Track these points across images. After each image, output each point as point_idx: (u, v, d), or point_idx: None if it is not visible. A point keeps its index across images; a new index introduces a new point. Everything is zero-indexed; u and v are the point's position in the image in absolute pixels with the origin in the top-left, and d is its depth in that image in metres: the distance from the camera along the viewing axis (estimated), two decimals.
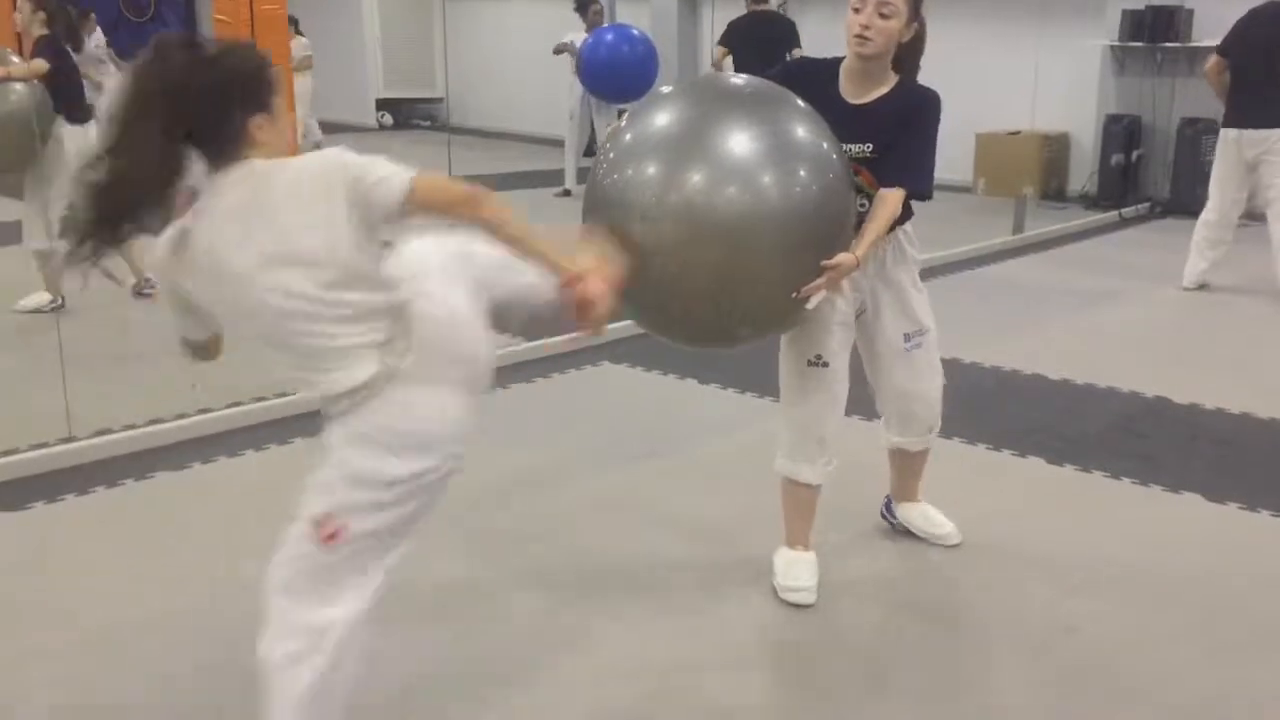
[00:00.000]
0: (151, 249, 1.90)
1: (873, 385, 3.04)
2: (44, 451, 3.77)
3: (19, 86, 5.25)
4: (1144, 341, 5.37)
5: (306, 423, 3.98)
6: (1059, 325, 5.61)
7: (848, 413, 2.93)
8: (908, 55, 2.78)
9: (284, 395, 4.18)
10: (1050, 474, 3.76)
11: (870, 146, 2.72)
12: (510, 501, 3.51)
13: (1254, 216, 6.56)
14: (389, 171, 1.87)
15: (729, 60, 7.50)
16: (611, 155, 2.53)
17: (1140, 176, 9.06)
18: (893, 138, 2.70)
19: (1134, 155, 8.98)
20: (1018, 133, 9.42)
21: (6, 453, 3.75)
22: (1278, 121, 5.89)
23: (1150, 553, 3.20)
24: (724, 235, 2.36)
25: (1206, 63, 6.23)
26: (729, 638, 2.76)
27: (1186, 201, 8.59)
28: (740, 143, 2.41)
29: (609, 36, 8.35)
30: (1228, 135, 6.09)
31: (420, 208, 1.88)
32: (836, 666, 2.66)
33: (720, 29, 7.83)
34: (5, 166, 5.40)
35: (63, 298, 5.53)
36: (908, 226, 2.89)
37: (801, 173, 2.43)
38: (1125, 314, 5.86)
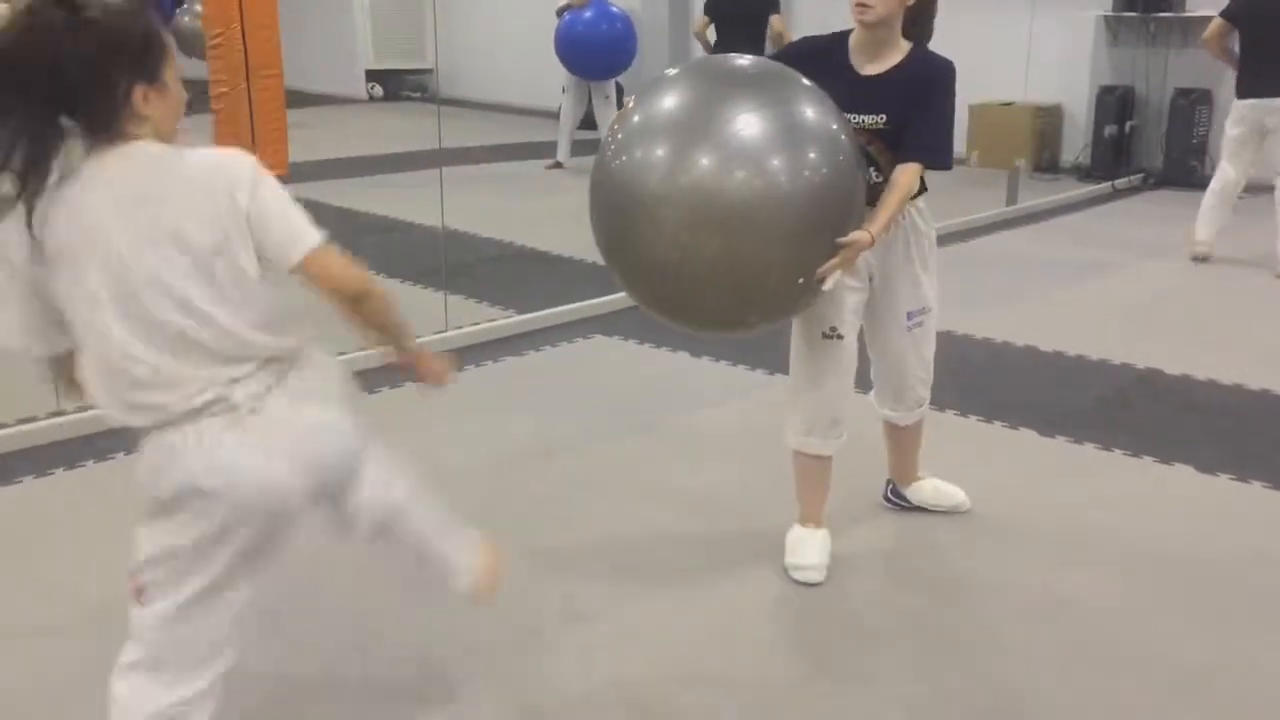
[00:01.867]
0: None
1: (870, 354, 3.05)
2: (32, 425, 3.75)
3: None
4: (1136, 313, 5.37)
5: None
6: (1051, 297, 5.60)
7: (858, 387, 2.94)
8: (919, 20, 2.77)
9: None
10: (1042, 446, 3.76)
11: (884, 117, 2.70)
12: (504, 475, 3.51)
13: (1247, 188, 6.52)
14: (300, 225, 1.77)
15: (712, 29, 7.47)
16: (620, 137, 2.52)
17: (1133, 148, 9.02)
18: (907, 109, 2.69)
19: (1127, 126, 8.95)
20: (1010, 104, 9.38)
21: None
22: None
23: (1142, 524, 3.20)
24: (733, 219, 2.36)
25: (1207, 29, 6.14)
26: (726, 610, 2.76)
27: (1180, 173, 8.58)
28: (749, 125, 2.39)
29: (587, 14, 8.47)
30: (1242, 104, 5.96)
31: (310, 279, 1.77)
32: (834, 639, 2.66)
33: None
34: None
35: None
36: (920, 202, 2.87)
37: (811, 155, 2.42)
38: (1118, 286, 5.86)
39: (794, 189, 2.38)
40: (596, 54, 8.58)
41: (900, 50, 2.75)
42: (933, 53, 2.78)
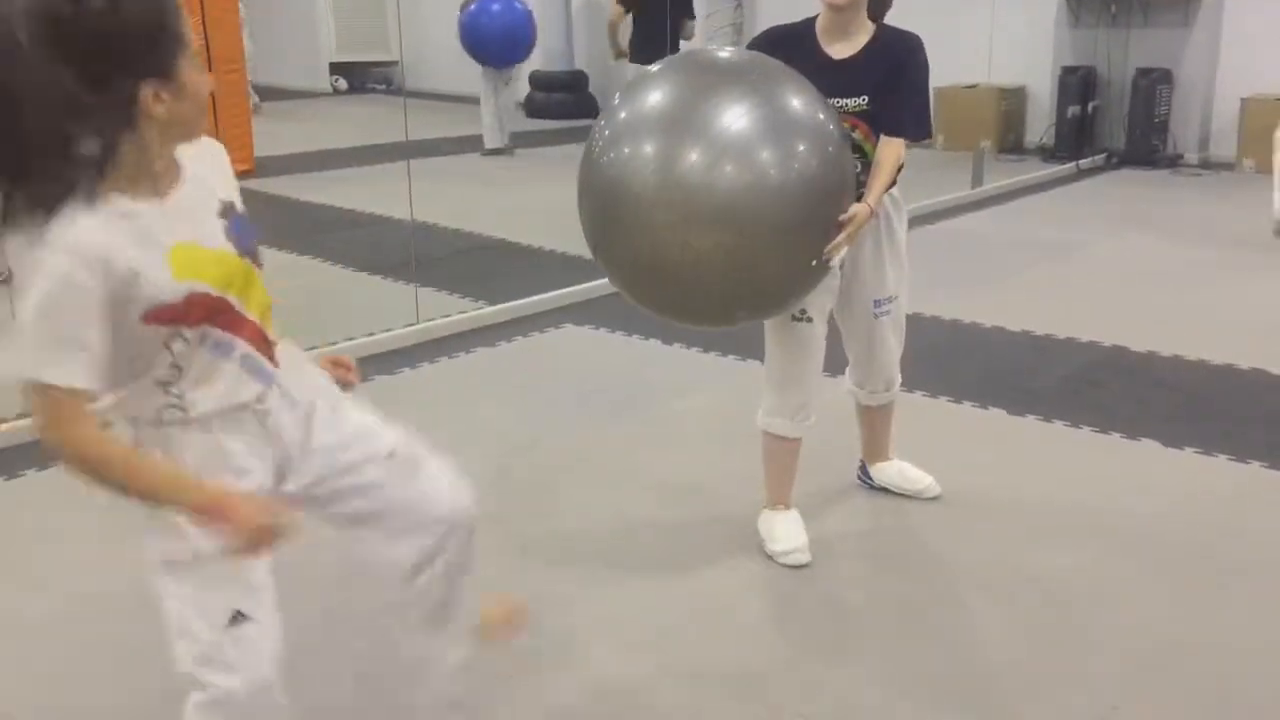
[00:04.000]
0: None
1: (842, 336, 3.08)
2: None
3: None
4: (1101, 292, 5.43)
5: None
6: (1018, 277, 5.65)
7: (830, 370, 2.96)
8: (878, 1, 2.80)
9: None
10: (1012, 425, 3.80)
11: (865, 99, 2.73)
12: (478, 466, 3.50)
13: (1205, 165, 6.56)
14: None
15: (629, 20, 7.35)
16: (607, 134, 2.51)
17: (1096, 128, 9.10)
18: (886, 86, 2.72)
19: (1090, 107, 9.02)
20: (975, 86, 9.44)
21: None
22: None
23: (1111, 500, 3.25)
24: (723, 215, 2.35)
25: None
26: (705, 595, 2.78)
27: (1142, 152, 8.66)
28: (738, 119, 2.38)
29: (495, 7, 8.78)
30: None
31: None
32: (813, 622, 2.68)
33: None
34: None
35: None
36: (895, 191, 2.88)
37: (801, 147, 2.41)
38: (1083, 265, 5.91)
39: (784, 182, 2.38)
40: (498, 42, 8.90)
41: (866, 30, 2.77)
42: (897, 28, 2.80)
